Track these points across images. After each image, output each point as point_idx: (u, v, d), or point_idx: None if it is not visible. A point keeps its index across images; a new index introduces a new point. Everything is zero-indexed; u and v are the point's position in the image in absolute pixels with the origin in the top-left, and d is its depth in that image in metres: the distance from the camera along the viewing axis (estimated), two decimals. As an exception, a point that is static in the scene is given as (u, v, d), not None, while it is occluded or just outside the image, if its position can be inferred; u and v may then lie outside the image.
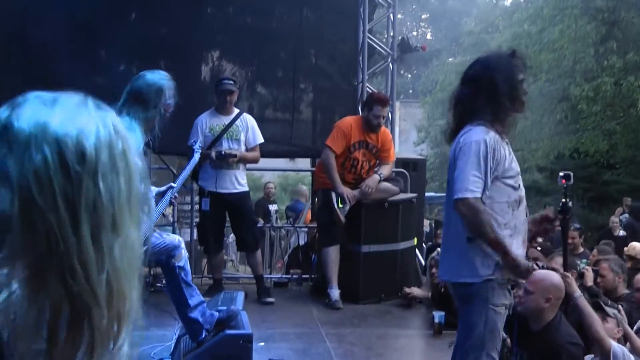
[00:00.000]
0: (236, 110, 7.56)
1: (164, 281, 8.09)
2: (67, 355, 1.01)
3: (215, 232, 7.65)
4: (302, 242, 10.25)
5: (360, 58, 9.26)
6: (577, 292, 5.07)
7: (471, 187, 3.83)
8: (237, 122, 7.46)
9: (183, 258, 4.91)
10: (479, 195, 3.84)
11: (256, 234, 8.03)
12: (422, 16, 51.40)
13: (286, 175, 28.66)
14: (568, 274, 5.33)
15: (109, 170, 1.02)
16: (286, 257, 10.47)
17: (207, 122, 7.45)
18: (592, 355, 4.94)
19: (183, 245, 5.01)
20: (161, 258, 4.87)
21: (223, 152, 7.21)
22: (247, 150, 7.48)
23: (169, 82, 4.86)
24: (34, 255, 0.98)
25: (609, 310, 5.20)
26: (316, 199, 8.22)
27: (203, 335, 4.91)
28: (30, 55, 8.30)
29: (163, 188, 5.31)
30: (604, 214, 18.29)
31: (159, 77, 4.85)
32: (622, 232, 12.95)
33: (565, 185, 5.13)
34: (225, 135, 7.40)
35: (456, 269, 4.02)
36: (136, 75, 4.89)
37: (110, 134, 1.04)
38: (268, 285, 7.87)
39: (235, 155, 7.26)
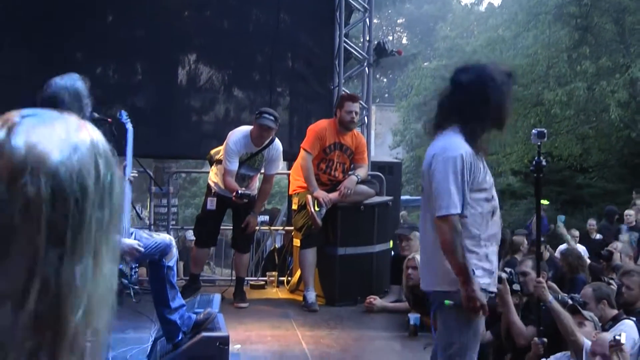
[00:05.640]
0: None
1: (144, 284, 8.12)
2: None
3: (212, 228, 7.77)
4: (278, 245, 10.25)
5: (337, 62, 9.30)
6: (550, 297, 5.18)
7: (453, 204, 3.80)
8: (264, 151, 7.44)
9: (173, 258, 4.89)
10: (460, 211, 3.82)
11: (251, 237, 8.12)
12: (398, 21, 51.64)
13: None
14: (541, 280, 5.42)
15: (99, 203, 1.00)
16: (262, 260, 10.47)
17: (242, 150, 7.37)
18: (566, 352, 5.04)
19: (174, 243, 4.98)
20: (154, 257, 4.83)
21: (240, 193, 7.11)
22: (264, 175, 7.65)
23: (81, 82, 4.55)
24: (11, 283, 0.93)
25: (586, 314, 5.30)
26: (292, 202, 8.22)
27: (179, 337, 4.91)
28: (5, 58, 8.28)
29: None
30: (577, 217, 18.43)
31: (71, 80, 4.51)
32: (598, 236, 13.11)
33: (539, 143, 5.16)
34: (247, 162, 7.43)
35: (435, 277, 4.00)
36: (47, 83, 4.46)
37: (105, 168, 1.02)
38: (245, 289, 7.87)
39: (247, 198, 7.23)
